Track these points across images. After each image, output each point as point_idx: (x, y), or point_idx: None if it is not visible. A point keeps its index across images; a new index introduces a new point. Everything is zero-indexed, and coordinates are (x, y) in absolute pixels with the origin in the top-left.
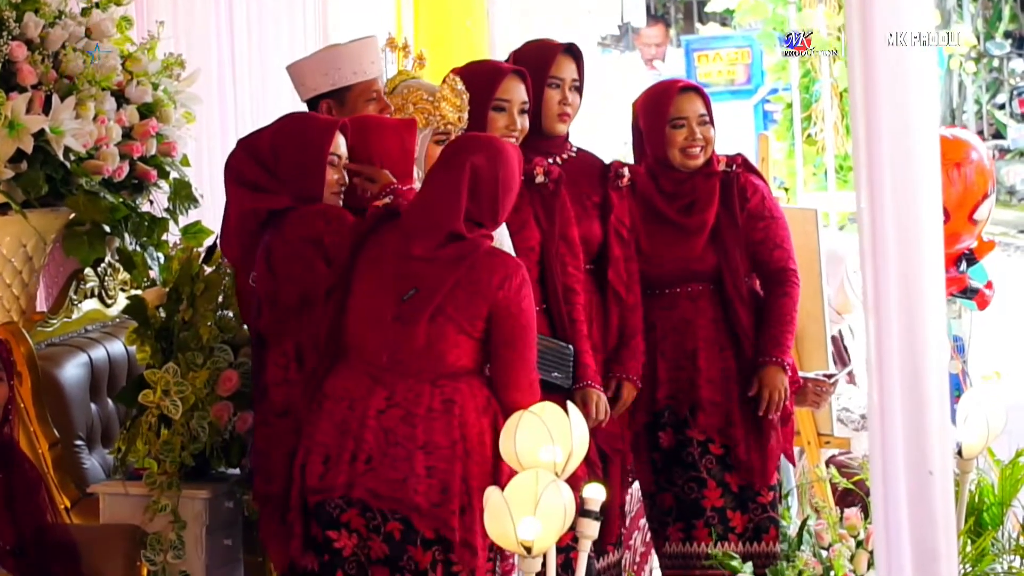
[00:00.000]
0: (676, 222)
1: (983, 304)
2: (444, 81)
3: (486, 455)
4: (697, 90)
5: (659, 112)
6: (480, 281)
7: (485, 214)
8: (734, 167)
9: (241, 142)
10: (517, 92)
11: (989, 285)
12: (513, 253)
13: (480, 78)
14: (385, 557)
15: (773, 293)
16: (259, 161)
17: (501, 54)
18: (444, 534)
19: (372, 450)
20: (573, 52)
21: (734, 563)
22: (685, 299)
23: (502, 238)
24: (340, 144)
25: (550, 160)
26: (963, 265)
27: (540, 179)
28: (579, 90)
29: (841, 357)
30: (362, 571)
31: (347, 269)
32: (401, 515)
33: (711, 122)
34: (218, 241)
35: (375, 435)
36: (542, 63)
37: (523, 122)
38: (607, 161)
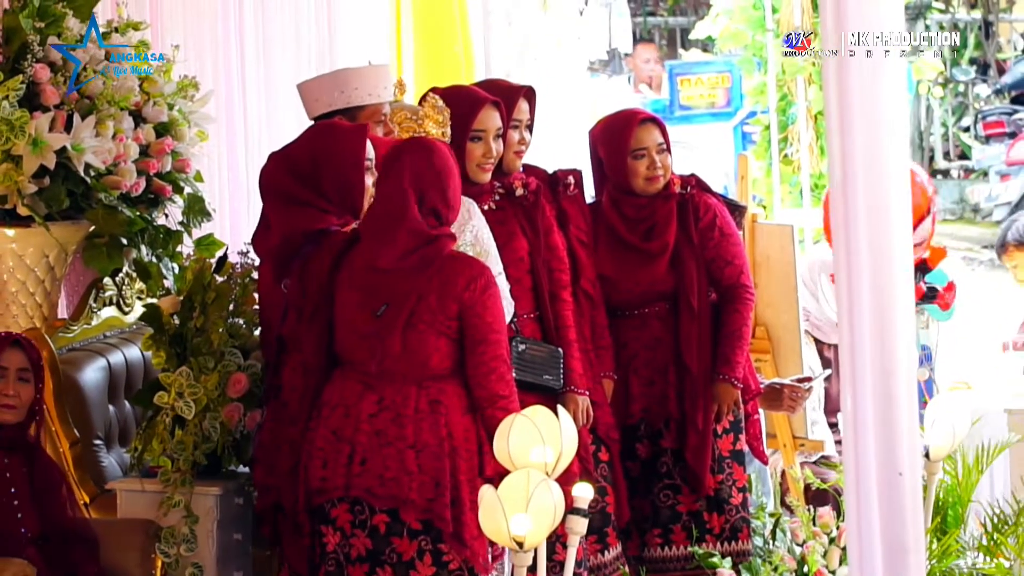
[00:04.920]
0: (638, 247)
1: (945, 306)
2: (425, 99)
3: (471, 450)
4: (655, 120)
5: (620, 144)
6: (448, 284)
7: (437, 200)
8: (688, 188)
9: (276, 157)
10: (492, 121)
11: (950, 287)
12: (500, 264)
13: (458, 108)
14: (367, 553)
15: (724, 310)
16: (299, 176)
17: (483, 76)
18: (438, 526)
19: (366, 451)
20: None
21: (713, 559)
22: (654, 318)
23: (488, 248)
24: (370, 149)
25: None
26: (918, 276)
27: (520, 192)
28: (530, 128)
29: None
30: (340, 569)
31: (327, 291)
32: (390, 508)
33: (668, 150)
34: (252, 241)
35: (368, 437)
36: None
37: (497, 147)
38: (551, 172)
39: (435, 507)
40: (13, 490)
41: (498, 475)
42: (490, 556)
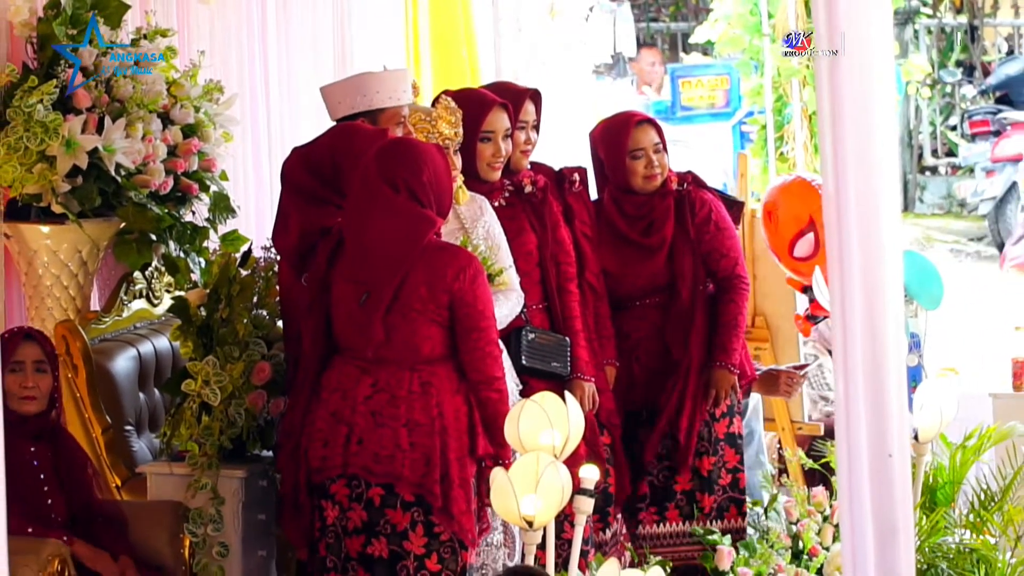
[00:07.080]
0: (639, 243)
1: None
2: (438, 101)
3: (461, 429)
4: (651, 121)
5: (618, 145)
6: (437, 276)
7: (412, 182)
8: (685, 185)
9: (298, 153)
10: (501, 122)
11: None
12: (511, 258)
13: (468, 110)
14: (363, 524)
15: (721, 300)
16: (319, 174)
17: (494, 79)
18: (428, 500)
19: (363, 432)
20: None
21: (713, 536)
22: (654, 309)
23: (500, 243)
24: None
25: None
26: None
27: (528, 189)
28: (537, 129)
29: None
30: (338, 541)
31: (324, 284)
32: (385, 482)
33: (665, 149)
34: (271, 236)
35: (364, 419)
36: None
37: (506, 147)
38: (557, 170)
39: (426, 483)
40: (42, 476)
41: (488, 455)
42: (477, 530)
